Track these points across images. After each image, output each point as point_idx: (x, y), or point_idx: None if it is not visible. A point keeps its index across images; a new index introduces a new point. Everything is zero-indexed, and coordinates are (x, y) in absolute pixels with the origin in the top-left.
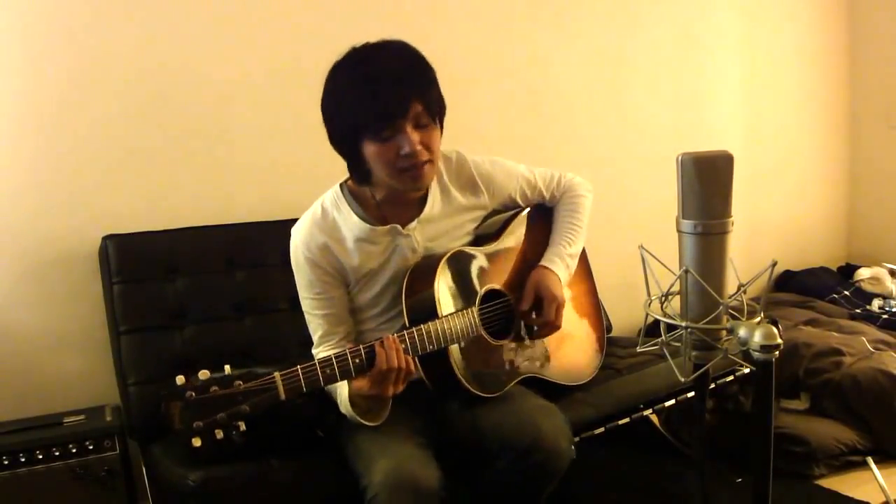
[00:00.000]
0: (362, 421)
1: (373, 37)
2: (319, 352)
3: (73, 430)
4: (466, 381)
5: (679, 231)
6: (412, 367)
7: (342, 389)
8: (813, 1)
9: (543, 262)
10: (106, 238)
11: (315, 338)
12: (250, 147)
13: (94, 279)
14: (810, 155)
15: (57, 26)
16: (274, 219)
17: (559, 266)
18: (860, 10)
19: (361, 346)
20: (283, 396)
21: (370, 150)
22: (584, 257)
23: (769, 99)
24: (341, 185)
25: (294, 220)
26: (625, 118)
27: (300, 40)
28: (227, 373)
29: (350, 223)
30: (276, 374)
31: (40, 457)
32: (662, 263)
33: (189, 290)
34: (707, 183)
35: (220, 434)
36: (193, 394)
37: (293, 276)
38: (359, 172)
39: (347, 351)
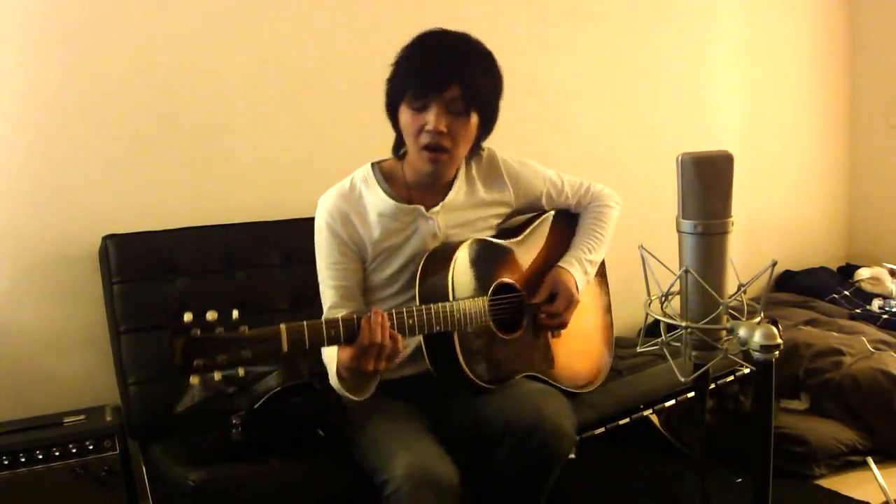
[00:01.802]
0: (347, 394)
1: (373, 36)
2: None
3: (73, 430)
4: (469, 368)
5: (679, 231)
6: (400, 346)
7: (333, 363)
8: (813, 1)
9: (562, 264)
10: (106, 238)
11: (325, 308)
12: (250, 147)
13: (94, 279)
14: (810, 155)
15: (55, 25)
16: (274, 219)
17: (577, 269)
18: (860, 9)
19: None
20: (285, 348)
21: (403, 116)
22: (602, 271)
23: (769, 99)
24: (373, 165)
25: (294, 220)
26: (625, 118)
27: (301, 40)
28: (234, 317)
29: (376, 198)
30: (282, 325)
31: (40, 457)
32: (662, 263)
33: (189, 290)
34: (707, 183)
35: (217, 376)
36: (199, 331)
37: (293, 275)
38: (398, 143)
39: (355, 316)
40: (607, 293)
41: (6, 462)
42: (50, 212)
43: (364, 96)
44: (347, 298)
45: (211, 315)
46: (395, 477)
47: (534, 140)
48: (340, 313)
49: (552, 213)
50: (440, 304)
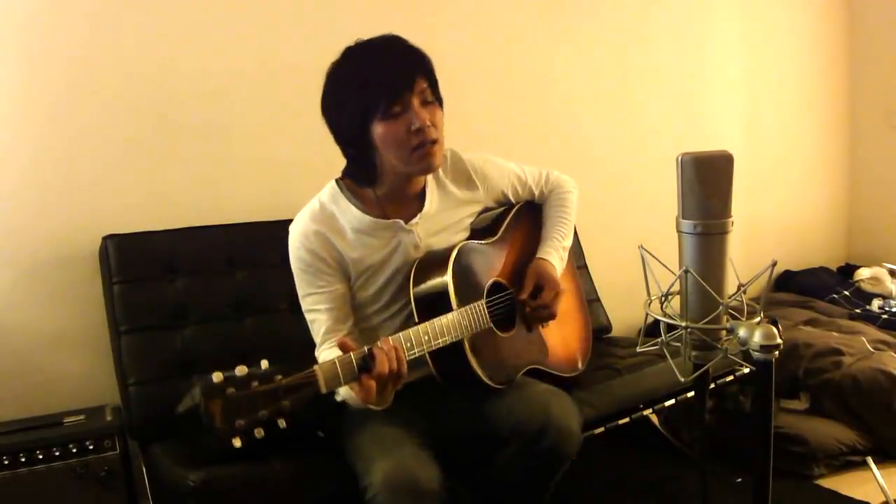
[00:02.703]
0: (370, 406)
1: (373, 34)
2: (322, 350)
3: (73, 430)
4: (482, 372)
5: (679, 231)
6: (404, 369)
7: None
8: (813, 1)
9: (540, 255)
10: (106, 238)
11: (318, 337)
12: (250, 147)
13: (94, 279)
14: (810, 155)
15: (56, 25)
16: (274, 219)
17: (555, 257)
18: (860, 10)
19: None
20: (324, 390)
21: (379, 132)
22: (571, 254)
23: (769, 99)
24: (338, 181)
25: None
26: (625, 118)
27: (300, 39)
28: (265, 368)
29: (349, 215)
30: (316, 367)
31: (40, 457)
32: (662, 263)
33: (189, 290)
34: (707, 183)
35: (260, 433)
36: (234, 390)
37: (293, 276)
38: (363, 170)
39: (378, 345)
40: (576, 276)
41: (6, 462)
42: (50, 212)
43: None
44: (342, 321)
45: (241, 370)
46: (374, 483)
47: (532, 141)
48: (337, 338)
49: (518, 205)
50: (445, 317)
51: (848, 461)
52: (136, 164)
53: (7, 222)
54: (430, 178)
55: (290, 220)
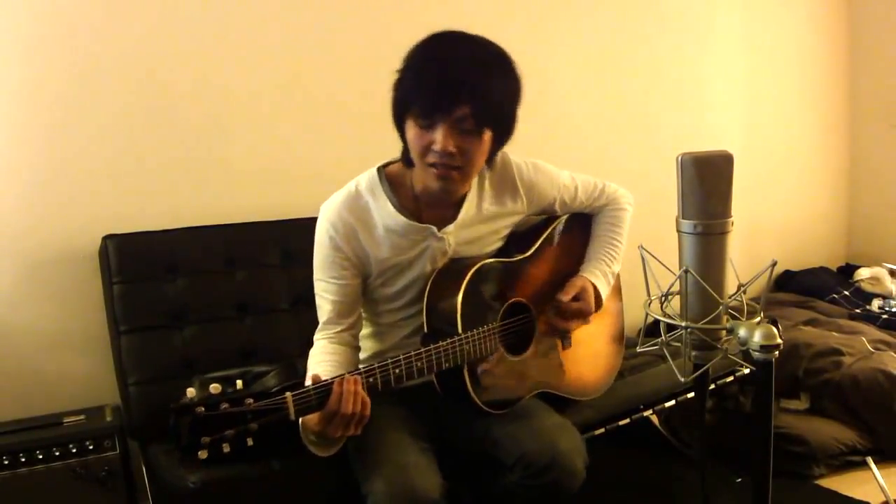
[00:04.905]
0: (313, 449)
1: (370, 38)
2: (319, 338)
3: (73, 430)
4: (479, 397)
5: (679, 231)
6: (367, 411)
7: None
8: (813, 1)
9: (587, 274)
10: (106, 238)
11: (320, 321)
12: (250, 147)
13: (94, 279)
14: (810, 155)
15: (58, 27)
16: (274, 219)
17: (602, 282)
18: (860, 10)
19: (375, 366)
20: (293, 417)
21: (409, 131)
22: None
23: (769, 99)
24: (379, 170)
25: (294, 221)
26: (625, 118)
27: (300, 41)
28: (238, 388)
29: (384, 211)
30: (288, 394)
31: (40, 457)
32: (662, 263)
33: (189, 290)
34: (707, 183)
35: (226, 448)
36: (203, 409)
37: (293, 275)
38: (406, 153)
39: (362, 368)
40: (620, 298)
41: (6, 462)
42: (50, 212)
43: (362, 98)
44: (344, 315)
45: (214, 388)
46: (374, 491)
47: (531, 140)
48: (334, 329)
49: (564, 217)
50: (449, 342)
51: (848, 461)
52: (136, 164)
53: (8, 222)
54: (473, 182)
55: (290, 221)
